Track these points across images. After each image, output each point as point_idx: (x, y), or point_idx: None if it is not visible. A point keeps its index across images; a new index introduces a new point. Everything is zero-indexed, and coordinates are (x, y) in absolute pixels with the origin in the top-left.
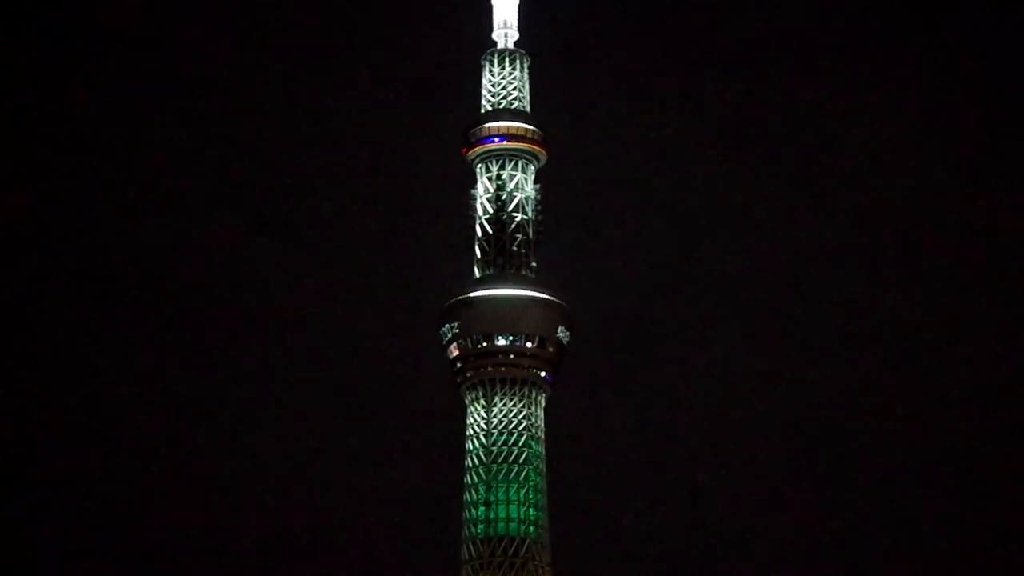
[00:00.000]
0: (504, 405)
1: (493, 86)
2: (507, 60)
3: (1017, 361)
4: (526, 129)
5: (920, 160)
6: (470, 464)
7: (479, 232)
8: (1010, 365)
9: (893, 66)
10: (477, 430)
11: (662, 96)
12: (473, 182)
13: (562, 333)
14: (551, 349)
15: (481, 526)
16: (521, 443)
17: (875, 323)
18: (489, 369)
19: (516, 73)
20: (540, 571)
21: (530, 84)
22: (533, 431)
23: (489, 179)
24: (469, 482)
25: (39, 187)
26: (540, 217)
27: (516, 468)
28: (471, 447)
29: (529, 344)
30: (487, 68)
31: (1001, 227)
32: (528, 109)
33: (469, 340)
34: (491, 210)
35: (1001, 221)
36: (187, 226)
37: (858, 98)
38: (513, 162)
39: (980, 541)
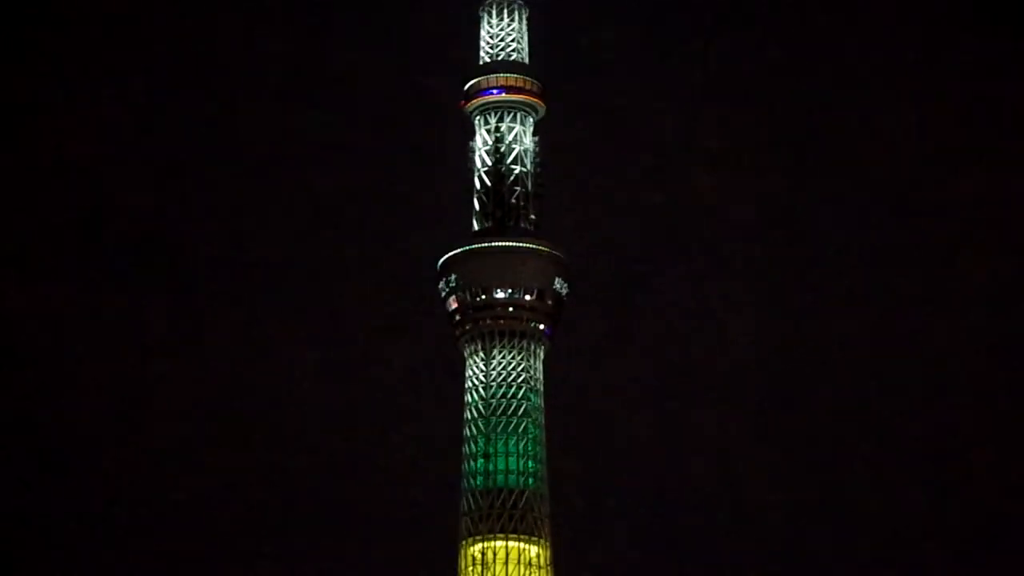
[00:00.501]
0: (503, 358)
1: (491, 38)
2: (505, 11)
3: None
4: (524, 81)
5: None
6: (469, 417)
7: (478, 185)
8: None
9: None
10: (476, 383)
11: (662, 48)
12: (472, 135)
13: (561, 286)
14: (550, 302)
15: (480, 478)
16: (520, 395)
17: (876, 279)
18: (488, 322)
19: (514, 24)
20: (539, 523)
21: (529, 36)
22: (532, 383)
23: (488, 132)
24: (468, 434)
25: (36, 146)
26: (539, 170)
27: (515, 420)
28: (470, 400)
29: (528, 297)
30: (485, 20)
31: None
32: (527, 61)
33: (468, 293)
34: (490, 163)
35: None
36: (185, 178)
37: (864, 61)
38: (512, 114)
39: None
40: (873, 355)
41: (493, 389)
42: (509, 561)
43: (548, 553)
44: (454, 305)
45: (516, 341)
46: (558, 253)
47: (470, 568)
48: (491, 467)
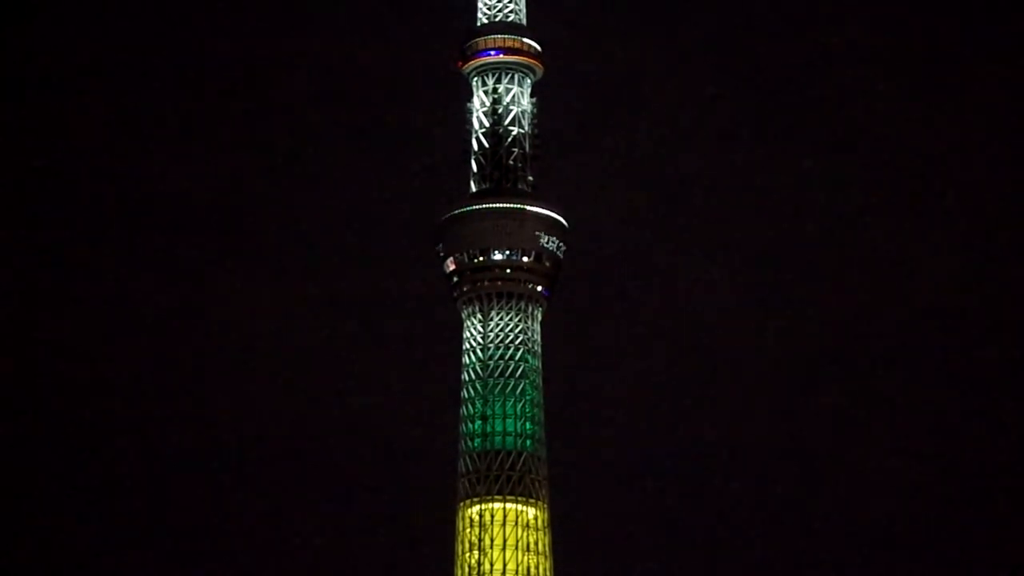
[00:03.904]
0: (500, 319)
1: None
2: None
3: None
4: (522, 42)
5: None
6: (467, 378)
7: (475, 146)
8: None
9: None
10: (474, 344)
11: (660, 9)
12: (469, 96)
13: (558, 247)
14: (547, 263)
15: (478, 440)
16: (518, 357)
17: (871, 245)
18: (485, 283)
19: None
20: (536, 484)
21: None
22: (530, 345)
23: (485, 93)
24: (466, 396)
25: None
26: (536, 131)
27: (512, 382)
28: (467, 361)
29: (525, 258)
30: None
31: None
32: (524, 22)
33: (466, 254)
34: (487, 124)
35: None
36: (180, 143)
37: (851, 29)
38: (509, 76)
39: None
40: (874, 329)
41: (491, 351)
42: (507, 523)
43: (546, 515)
44: (452, 267)
45: (514, 303)
46: (556, 215)
47: (468, 530)
48: (489, 429)
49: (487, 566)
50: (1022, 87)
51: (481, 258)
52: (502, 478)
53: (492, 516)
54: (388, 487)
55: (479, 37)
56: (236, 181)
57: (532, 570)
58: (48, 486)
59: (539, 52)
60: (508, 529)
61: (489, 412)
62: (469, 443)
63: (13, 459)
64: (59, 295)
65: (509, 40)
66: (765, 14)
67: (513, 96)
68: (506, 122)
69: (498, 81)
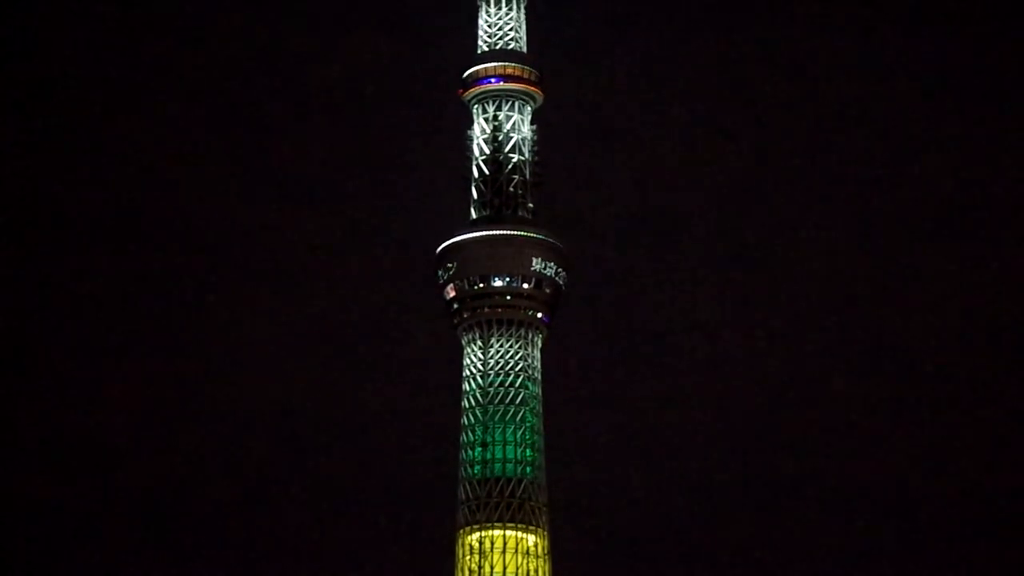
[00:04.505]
0: (501, 346)
1: (490, 27)
2: (504, 1)
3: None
4: (522, 70)
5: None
6: (467, 405)
7: (476, 173)
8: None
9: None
10: (474, 371)
11: (658, 37)
12: (470, 123)
13: (559, 274)
14: (548, 290)
15: (478, 467)
16: (518, 384)
17: (862, 272)
18: (486, 310)
19: (513, 14)
20: (536, 511)
21: (527, 25)
22: (530, 372)
23: (486, 120)
24: (466, 423)
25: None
26: (537, 158)
27: (512, 409)
28: (468, 388)
29: (526, 285)
30: (484, 9)
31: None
32: (524, 50)
33: (466, 281)
34: (488, 151)
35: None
36: (177, 167)
37: (844, 46)
38: (510, 103)
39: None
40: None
41: (491, 378)
42: (507, 550)
43: (546, 542)
44: (452, 293)
45: (514, 329)
46: (556, 241)
47: (468, 557)
48: (489, 456)
49: None
50: None
51: (481, 285)
52: (502, 505)
53: (492, 543)
54: (387, 514)
55: (479, 65)
56: (236, 207)
57: None
58: (50, 502)
59: (539, 80)
60: (508, 556)
61: (489, 439)
62: (469, 470)
63: (14, 469)
64: (58, 310)
65: (509, 68)
66: (764, 44)
67: (513, 123)
68: (506, 149)
69: (498, 108)
